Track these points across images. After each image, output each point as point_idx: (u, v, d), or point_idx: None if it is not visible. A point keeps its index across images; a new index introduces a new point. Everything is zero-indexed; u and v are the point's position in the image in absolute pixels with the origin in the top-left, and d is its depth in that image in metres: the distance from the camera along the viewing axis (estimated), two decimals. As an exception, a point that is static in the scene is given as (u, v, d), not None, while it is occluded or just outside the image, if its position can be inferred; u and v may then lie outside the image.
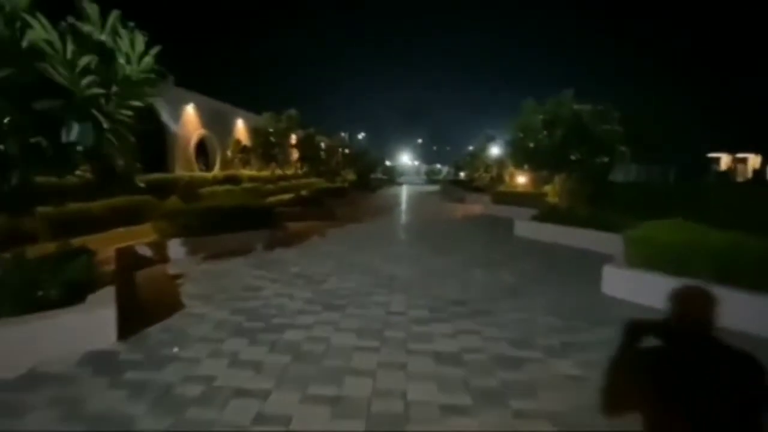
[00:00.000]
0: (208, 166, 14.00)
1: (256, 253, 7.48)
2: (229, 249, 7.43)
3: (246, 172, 15.63)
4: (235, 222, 7.80)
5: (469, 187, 23.29)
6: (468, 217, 14.30)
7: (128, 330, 3.82)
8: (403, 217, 14.17)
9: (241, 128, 16.42)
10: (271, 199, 13.60)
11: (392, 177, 47.05)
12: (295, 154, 14.99)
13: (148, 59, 3.76)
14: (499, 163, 22.34)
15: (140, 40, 3.73)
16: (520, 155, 11.74)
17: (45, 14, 3.22)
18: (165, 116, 11.22)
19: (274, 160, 12.61)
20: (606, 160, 10.48)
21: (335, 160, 22.62)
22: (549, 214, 9.97)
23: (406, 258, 7.35)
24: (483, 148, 26.20)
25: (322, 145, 18.03)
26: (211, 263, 6.68)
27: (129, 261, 6.04)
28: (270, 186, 16.50)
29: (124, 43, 3.68)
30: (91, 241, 6.75)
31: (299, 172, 15.21)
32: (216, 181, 12.60)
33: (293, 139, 14.76)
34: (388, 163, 63.27)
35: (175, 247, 6.94)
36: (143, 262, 6.36)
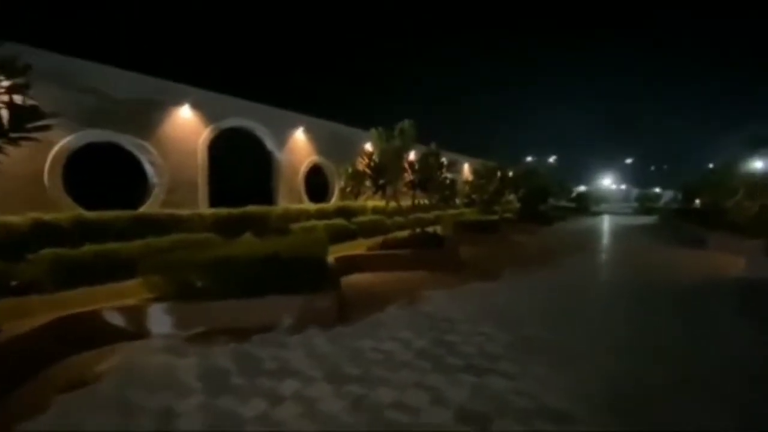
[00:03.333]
0: (324, 197, 12.52)
1: (267, 336, 4.62)
2: (236, 324, 4.88)
3: (370, 203, 13.54)
4: (260, 280, 5.22)
5: (712, 221, 14.49)
6: (710, 285, 7.57)
7: None
8: (569, 274, 8.69)
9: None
10: (397, 234, 10.85)
11: (583, 205, 36.83)
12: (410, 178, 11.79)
13: None
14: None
15: None
16: None
17: None
18: (269, 142, 10.17)
19: (382, 188, 9.84)
20: None
21: (492, 186, 18.20)
22: None
23: (523, 412, 2.95)
24: (739, 160, 16.51)
25: (467, 167, 14.20)
26: (177, 352, 4.19)
27: (67, 336, 4.14)
28: (399, 219, 13.89)
29: None
30: (85, 294, 5.35)
31: (425, 201, 12.02)
32: (322, 215, 10.78)
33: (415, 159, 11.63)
34: (582, 187, 51.81)
35: (159, 316, 4.82)
36: (101, 336, 4.40)
